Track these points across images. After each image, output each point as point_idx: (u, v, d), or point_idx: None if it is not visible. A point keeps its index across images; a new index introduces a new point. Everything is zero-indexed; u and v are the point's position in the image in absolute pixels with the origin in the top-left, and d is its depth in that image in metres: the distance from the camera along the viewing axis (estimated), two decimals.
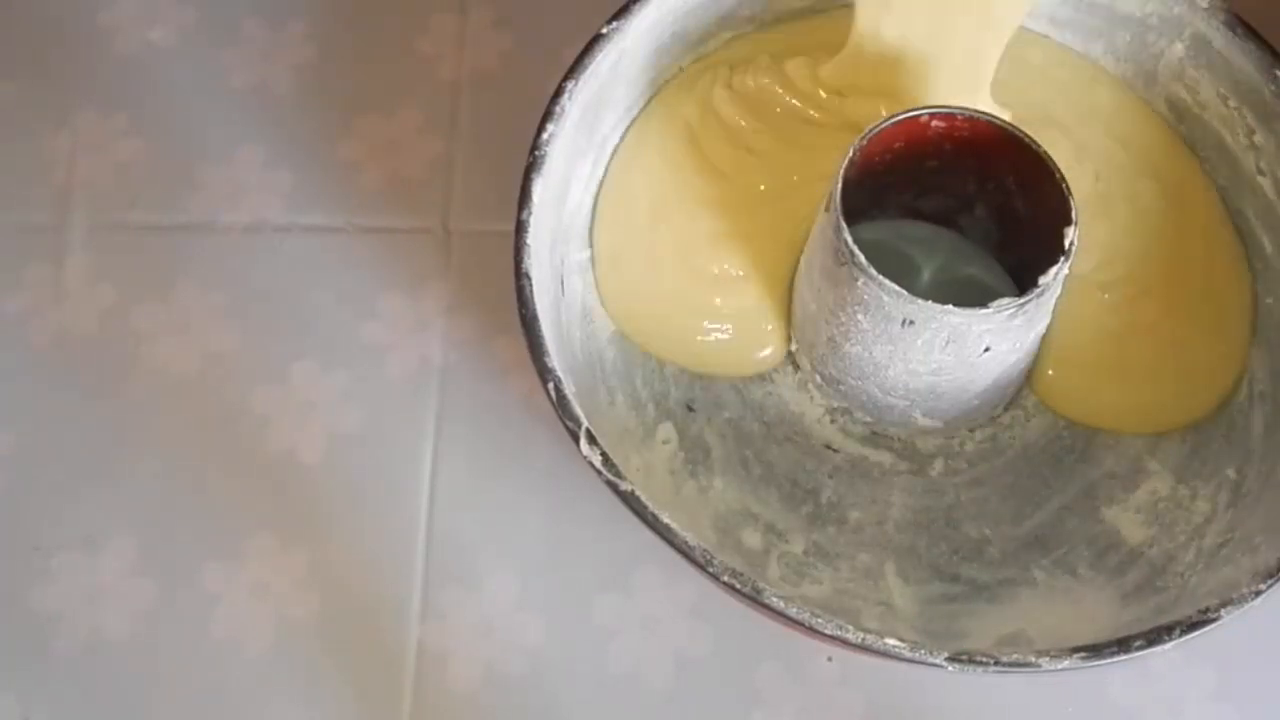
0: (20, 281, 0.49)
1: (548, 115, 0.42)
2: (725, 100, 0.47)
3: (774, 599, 0.36)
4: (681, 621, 0.44)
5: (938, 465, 0.44)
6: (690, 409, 0.45)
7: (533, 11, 0.53)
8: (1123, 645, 0.37)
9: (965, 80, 0.44)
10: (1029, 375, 0.45)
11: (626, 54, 0.45)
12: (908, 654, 0.36)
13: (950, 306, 0.38)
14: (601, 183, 0.47)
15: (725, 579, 0.37)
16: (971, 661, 0.36)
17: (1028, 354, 0.43)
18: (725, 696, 0.43)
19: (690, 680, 0.43)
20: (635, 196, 0.46)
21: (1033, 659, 0.36)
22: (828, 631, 0.36)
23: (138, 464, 0.46)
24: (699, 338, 0.45)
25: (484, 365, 0.48)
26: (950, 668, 0.36)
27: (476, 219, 0.50)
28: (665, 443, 0.44)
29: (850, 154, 0.40)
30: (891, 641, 0.36)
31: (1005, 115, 0.42)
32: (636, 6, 0.44)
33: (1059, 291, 0.41)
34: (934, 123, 0.41)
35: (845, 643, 0.36)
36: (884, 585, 0.42)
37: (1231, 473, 0.43)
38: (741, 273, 0.45)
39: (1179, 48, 0.46)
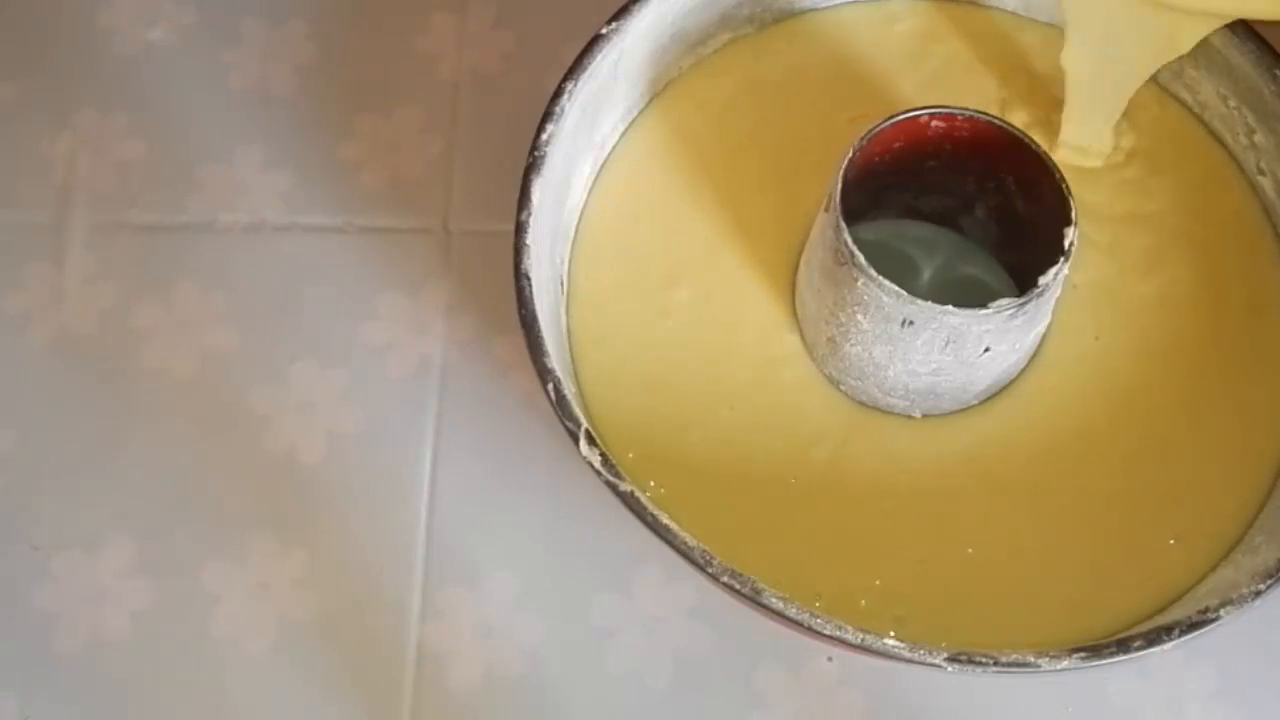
0: (20, 281, 0.49)
1: (547, 115, 0.42)
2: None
3: (774, 599, 0.36)
4: (681, 621, 0.44)
5: None
6: None
7: (533, 11, 0.53)
8: (1122, 645, 0.37)
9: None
10: None
11: (626, 54, 0.45)
12: (907, 654, 0.36)
13: (950, 307, 0.38)
14: (593, 182, 0.47)
15: (725, 579, 0.37)
16: (971, 662, 0.36)
17: (1027, 354, 0.43)
18: (725, 696, 0.43)
19: (690, 680, 0.43)
20: (631, 198, 0.47)
21: (1032, 659, 0.36)
22: (827, 632, 0.36)
23: (138, 464, 0.46)
24: None
25: (484, 365, 0.48)
26: (949, 668, 0.36)
27: (476, 219, 0.50)
28: None
29: (850, 154, 0.40)
30: (891, 642, 0.36)
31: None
32: (636, 6, 0.44)
33: (1059, 292, 0.41)
34: (934, 123, 0.41)
35: (844, 643, 0.36)
36: None
37: None
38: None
39: None
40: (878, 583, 0.41)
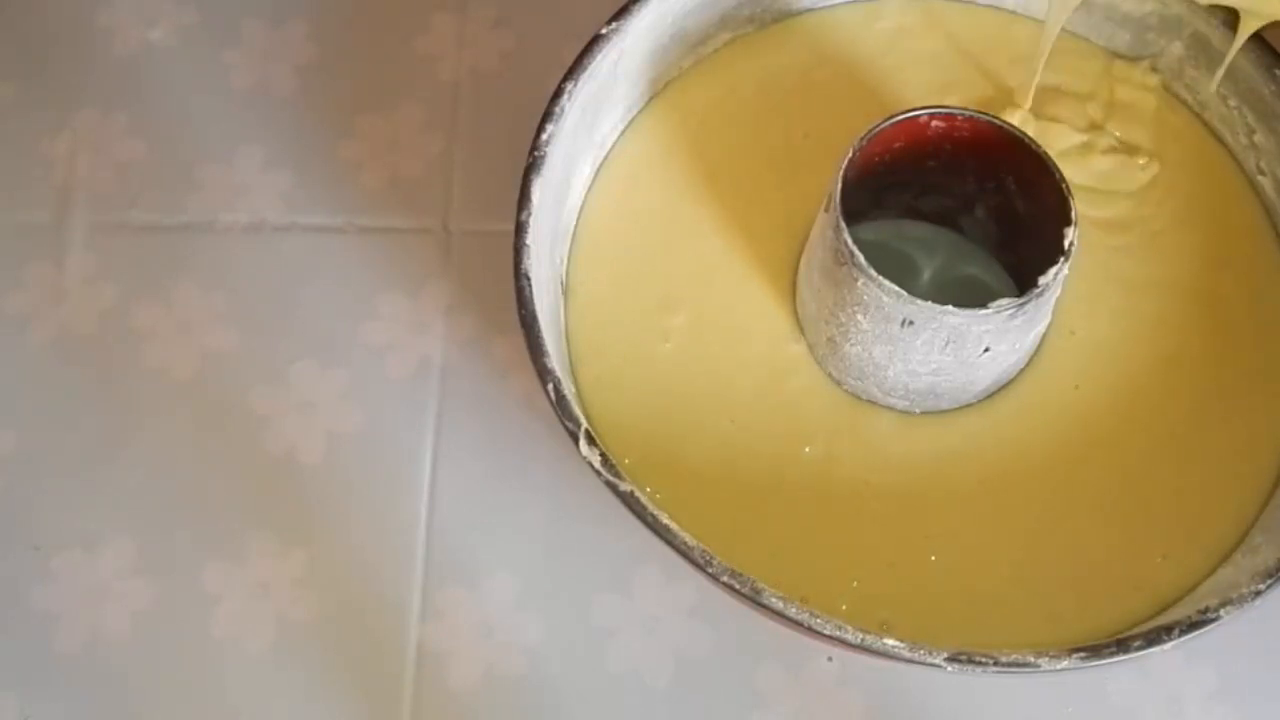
0: (20, 281, 0.49)
1: (547, 115, 0.42)
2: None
3: (774, 599, 0.36)
4: (681, 621, 0.44)
5: None
6: None
7: (533, 11, 0.53)
8: (1122, 645, 0.37)
9: None
10: None
11: (626, 54, 0.45)
12: (906, 654, 0.36)
13: (950, 307, 0.38)
14: (593, 182, 0.47)
15: (725, 579, 0.37)
16: (970, 661, 0.36)
17: (1026, 354, 0.43)
18: (725, 696, 0.43)
19: (690, 680, 0.43)
20: (631, 199, 0.47)
21: (1032, 659, 0.36)
22: (827, 632, 0.36)
23: (138, 464, 0.46)
24: None
25: (484, 365, 0.48)
26: (949, 668, 0.36)
27: (476, 219, 0.50)
28: None
29: (850, 154, 0.40)
30: (890, 641, 0.36)
31: None
32: (636, 6, 0.44)
33: (1059, 292, 0.41)
34: (934, 123, 0.41)
35: (844, 643, 0.36)
36: None
37: None
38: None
39: (1178, 47, 0.46)
40: (855, 584, 0.41)
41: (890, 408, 0.43)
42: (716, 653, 0.44)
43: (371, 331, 0.48)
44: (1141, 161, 0.46)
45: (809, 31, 0.49)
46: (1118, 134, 0.47)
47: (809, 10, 0.49)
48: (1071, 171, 0.40)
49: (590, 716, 0.43)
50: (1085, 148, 0.46)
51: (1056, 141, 0.45)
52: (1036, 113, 0.47)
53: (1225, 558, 0.41)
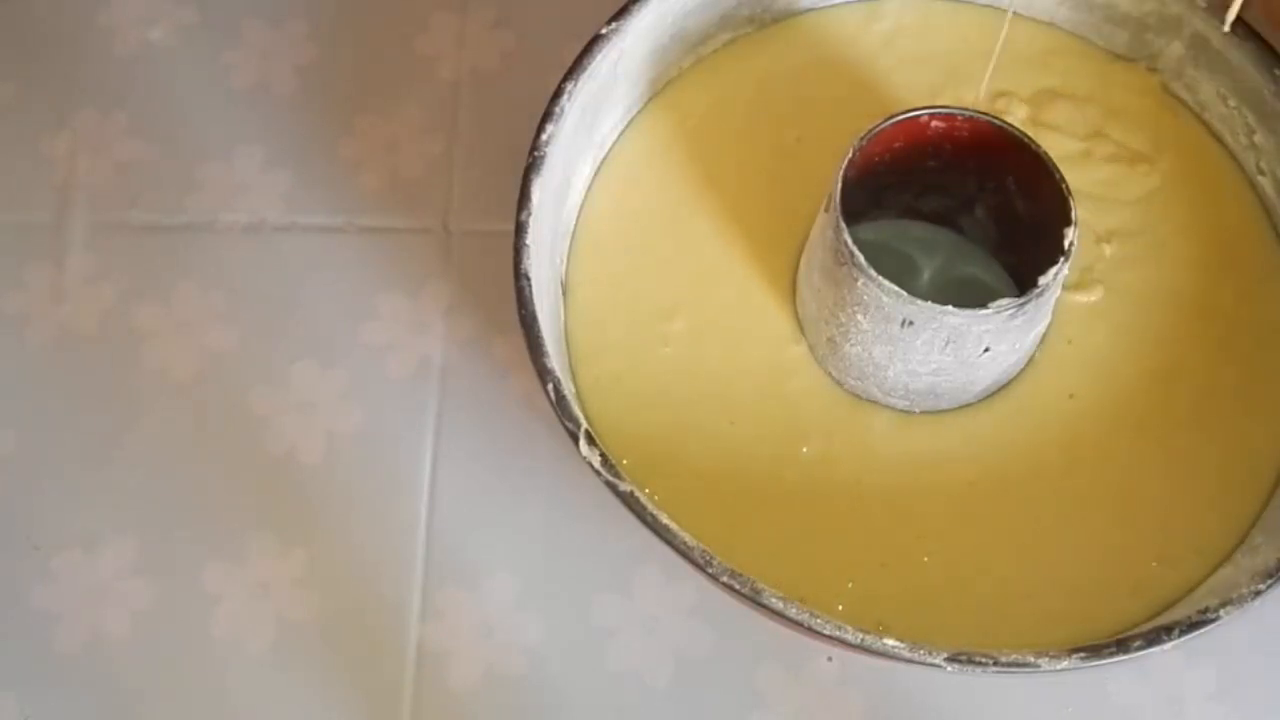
0: (20, 281, 0.49)
1: (547, 115, 0.42)
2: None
3: (773, 599, 0.36)
4: (681, 621, 0.44)
5: None
6: None
7: (533, 11, 0.53)
8: (1122, 645, 0.37)
9: None
10: None
11: (626, 54, 0.45)
12: (906, 654, 0.36)
13: (949, 307, 0.38)
14: (593, 182, 0.47)
15: (725, 579, 0.37)
16: (970, 662, 0.36)
17: (1026, 355, 0.43)
18: (725, 696, 0.43)
19: (690, 680, 0.43)
20: (631, 199, 0.47)
21: (1032, 659, 0.36)
22: (826, 632, 0.36)
23: (138, 464, 0.46)
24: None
25: (484, 365, 0.48)
26: (949, 668, 0.36)
27: (476, 219, 0.50)
28: None
29: (850, 154, 0.40)
30: (890, 641, 0.36)
31: None
32: (636, 7, 0.44)
33: (1058, 292, 0.41)
34: (934, 123, 0.41)
35: (844, 643, 0.36)
36: None
37: None
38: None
39: (1178, 47, 0.46)
40: (850, 585, 0.41)
41: (890, 408, 0.43)
42: (716, 653, 0.44)
43: (371, 331, 0.48)
44: (1142, 169, 0.46)
45: (808, 32, 0.49)
46: (1117, 137, 0.47)
47: (808, 10, 0.49)
48: (1072, 179, 0.40)
49: (590, 716, 0.43)
50: (1085, 155, 0.46)
51: (1056, 149, 0.45)
52: (1035, 119, 0.47)
53: (1223, 560, 0.41)
